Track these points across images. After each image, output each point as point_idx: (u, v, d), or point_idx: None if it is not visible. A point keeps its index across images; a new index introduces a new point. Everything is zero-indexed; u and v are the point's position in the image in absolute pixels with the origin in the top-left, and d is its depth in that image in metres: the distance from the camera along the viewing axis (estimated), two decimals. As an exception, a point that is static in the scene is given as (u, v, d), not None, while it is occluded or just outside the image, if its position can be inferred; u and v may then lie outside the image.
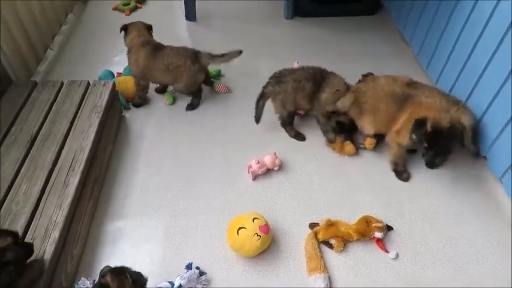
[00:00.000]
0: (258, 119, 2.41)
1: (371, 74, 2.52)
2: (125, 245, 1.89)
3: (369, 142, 2.30)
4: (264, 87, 2.36)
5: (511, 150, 1.94)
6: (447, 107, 2.01)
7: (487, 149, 2.14)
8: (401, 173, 2.22)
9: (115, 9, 3.68)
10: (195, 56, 2.42)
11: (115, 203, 2.07)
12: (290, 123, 2.44)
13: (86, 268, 1.79)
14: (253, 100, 2.40)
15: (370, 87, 2.24)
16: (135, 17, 3.61)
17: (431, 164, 2.01)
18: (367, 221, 1.91)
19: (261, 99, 2.37)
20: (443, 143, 1.95)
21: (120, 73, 2.80)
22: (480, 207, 2.07)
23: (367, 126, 2.24)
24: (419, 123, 1.95)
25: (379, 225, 1.88)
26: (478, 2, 2.21)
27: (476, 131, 2.12)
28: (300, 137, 2.45)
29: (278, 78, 2.34)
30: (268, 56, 3.11)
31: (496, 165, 2.09)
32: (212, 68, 2.88)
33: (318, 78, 2.31)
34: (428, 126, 1.92)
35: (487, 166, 2.16)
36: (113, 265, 1.78)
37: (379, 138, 2.31)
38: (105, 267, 1.77)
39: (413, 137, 1.99)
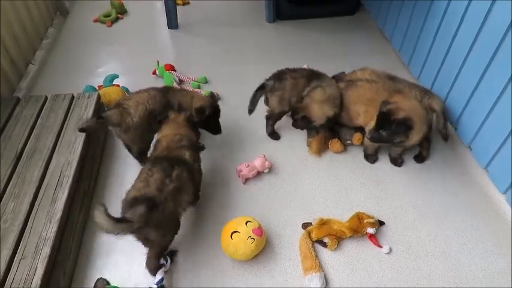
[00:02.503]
0: (251, 111, 2.36)
1: (343, 73, 2.59)
2: (119, 257, 1.87)
3: (357, 138, 2.33)
4: (266, 80, 2.34)
5: (495, 140, 1.99)
6: (420, 97, 2.12)
7: (471, 140, 2.19)
8: (369, 156, 2.31)
9: (96, 21, 3.66)
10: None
11: (106, 216, 2.04)
12: (274, 121, 2.45)
13: (79, 283, 1.77)
14: (241, 103, 2.41)
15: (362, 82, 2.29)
16: (117, 28, 3.60)
17: (373, 139, 2.05)
18: (359, 217, 1.92)
19: (259, 91, 2.34)
20: (388, 129, 1.96)
21: (101, 85, 2.76)
22: (467, 197, 2.11)
23: (359, 117, 2.25)
24: (384, 103, 2.00)
25: (371, 221, 1.90)
26: (451, 2, 2.28)
27: (447, 115, 2.23)
28: (275, 136, 2.47)
29: (279, 75, 2.32)
30: (253, 59, 3.13)
31: (481, 155, 2.14)
32: (198, 75, 2.90)
33: (314, 78, 2.29)
34: (386, 108, 1.97)
35: (472, 157, 2.21)
36: (106, 278, 1.78)
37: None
38: (99, 278, 1.76)
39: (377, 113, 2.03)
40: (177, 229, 1.76)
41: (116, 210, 2.03)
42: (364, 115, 2.21)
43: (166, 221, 1.64)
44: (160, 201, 1.58)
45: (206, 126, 2.25)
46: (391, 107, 1.96)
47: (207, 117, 2.17)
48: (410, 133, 1.97)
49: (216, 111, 2.24)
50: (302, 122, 2.28)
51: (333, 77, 2.55)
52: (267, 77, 2.35)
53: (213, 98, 2.26)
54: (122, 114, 1.99)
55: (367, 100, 2.19)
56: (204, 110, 2.15)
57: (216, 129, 2.30)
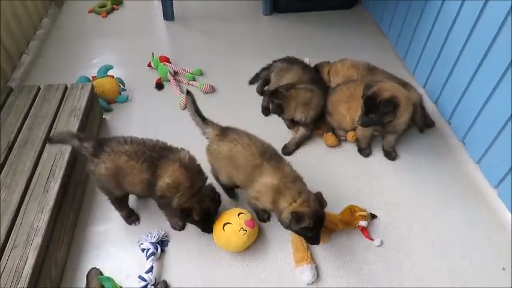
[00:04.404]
0: (252, 82, 2.55)
1: (327, 62, 2.65)
2: (111, 247, 1.88)
3: (351, 135, 2.33)
4: (274, 61, 2.50)
5: (487, 135, 2.00)
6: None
7: (465, 135, 2.20)
8: (363, 150, 2.33)
9: (91, 11, 3.63)
10: None
11: (99, 206, 2.04)
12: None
13: (71, 273, 1.77)
14: (236, 96, 2.40)
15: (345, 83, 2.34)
16: (112, 18, 3.58)
17: (363, 124, 2.08)
18: (351, 210, 1.93)
19: (266, 70, 2.51)
20: (376, 110, 1.97)
21: (95, 76, 2.75)
22: (460, 191, 2.12)
23: (345, 118, 2.28)
24: (367, 87, 2.03)
25: (363, 214, 1.91)
26: (445, 2, 2.29)
27: (424, 107, 2.35)
28: (265, 112, 2.54)
29: (292, 60, 2.50)
30: (249, 52, 3.11)
31: (474, 149, 2.15)
32: (193, 67, 2.89)
33: (308, 75, 2.38)
34: (370, 91, 1.99)
35: (466, 151, 2.22)
36: (98, 268, 1.77)
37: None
38: (92, 268, 1.76)
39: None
40: (113, 196, 1.85)
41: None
42: (348, 112, 2.24)
43: (96, 178, 1.77)
44: (101, 159, 1.70)
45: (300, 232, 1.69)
46: (374, 90, 1.99)
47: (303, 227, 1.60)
48: (398, 111, 1.99)
49: (319, 222, 1.63)
50: (276, 108, 2.31)
51: (317, 65, 2.64)
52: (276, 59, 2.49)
53: (321, 204, 1.66)
54: None
55: (348, 97, 2.24)
56: (302, 219, 1.58)
57: (315, 239, 1.68)
